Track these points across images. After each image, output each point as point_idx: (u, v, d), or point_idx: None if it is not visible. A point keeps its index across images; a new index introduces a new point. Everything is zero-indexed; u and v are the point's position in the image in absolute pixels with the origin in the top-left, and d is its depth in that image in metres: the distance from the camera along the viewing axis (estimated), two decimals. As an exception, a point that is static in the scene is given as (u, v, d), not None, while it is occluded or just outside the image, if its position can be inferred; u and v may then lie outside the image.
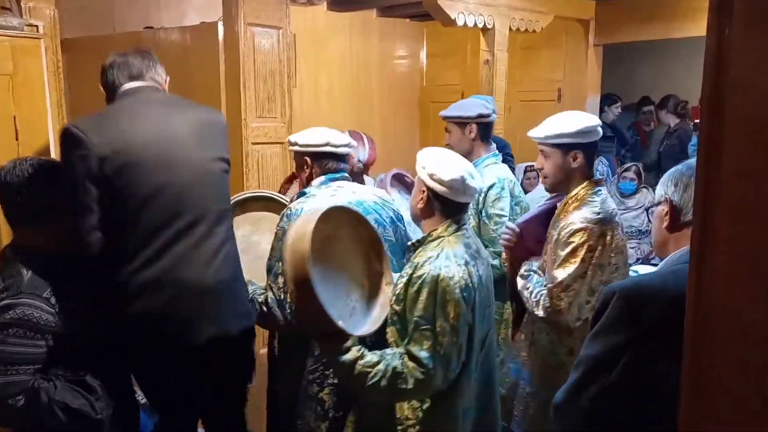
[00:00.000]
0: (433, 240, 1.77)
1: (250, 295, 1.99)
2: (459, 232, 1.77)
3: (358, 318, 1.77)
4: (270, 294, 1.95)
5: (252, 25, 2.88)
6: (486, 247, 2.41)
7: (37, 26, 2.20)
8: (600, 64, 5.16)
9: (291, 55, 3.14)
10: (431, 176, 1.74)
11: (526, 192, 3.34)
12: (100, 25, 3.85)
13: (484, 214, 2.59)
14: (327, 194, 1.99)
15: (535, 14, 4.27)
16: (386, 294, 1.81)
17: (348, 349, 1.65)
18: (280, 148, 3.03)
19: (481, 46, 4.05)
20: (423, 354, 1.65)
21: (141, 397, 2.05)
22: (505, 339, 2.60)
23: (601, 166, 4.83)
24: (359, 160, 2.42)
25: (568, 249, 2.00)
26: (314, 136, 2.06)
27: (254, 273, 2.08)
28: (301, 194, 2.06)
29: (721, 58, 0.74)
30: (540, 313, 2.06)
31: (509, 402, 2.24)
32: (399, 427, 1.79)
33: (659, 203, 1.43)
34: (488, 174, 2.62)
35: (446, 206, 1.77)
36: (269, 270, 1.97)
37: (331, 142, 2.05)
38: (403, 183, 2.94)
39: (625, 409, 1.30)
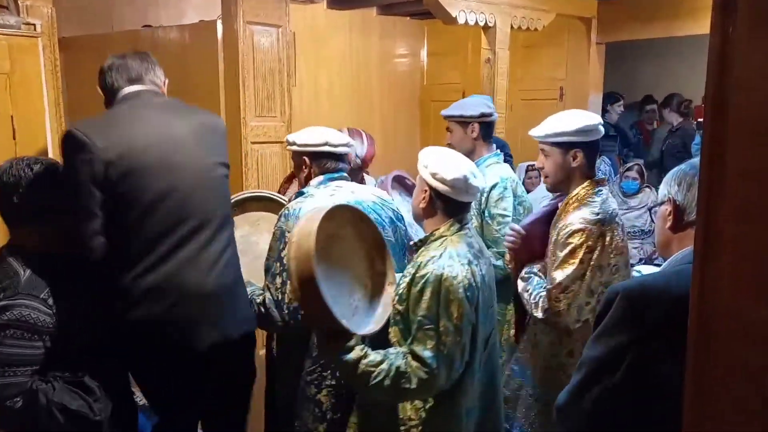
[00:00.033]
0: (435, 239, 1.76)
1: (249, 296, 1.98)
2: (462, 232, 1.77)
3: (361, 318, 1.77)
4: (267, 294, 1.94)
5: (251, 23, 2.87)
6: (489, 247, 2.40)
7: (34, 25, 2.18)
8: (602, 63, 5.15)
9: (290, 54, 3.13)
10: (434, 175, 1.74)
11: (527, 191, 3.32)
12: (98, 23, 3.86)
13: (486, 214, 2.57)
14: (325, 194, 1.98)
15: (537, 12, 4.25)
16: (389, 294, 1.81)
17: (351, 348, 1.65)
18: (280, 148, 3.02)
19: (482, 45, 4.03)
20: (426, 354, 1.64)
21: (139, 399, 2.04)
22: (508, 340, 2.58)
23: (603, 165, 4.81)
24: (357, 155, 2.40)
25: (567, 250, 1.99)
26: (313, 136, 2.05)
27: (253, 273, 2.08)
28: (299, 194, 2.05)
29: (724, 57, 0.74)
30: (539, 314, 2.06)
31: (512, 403, 2.23)
32: (402, 428, 1.79)
33: (662, 203, 1.42)
34: (490, 174, 2.60)
35: (449, 205, 1.77)
36: (267, 270, 1.96)
37: (329, 141, 2.04)
38: (403, 185, 2.92)
39: (629, 410, 1.30)
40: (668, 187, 1.40)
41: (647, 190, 4.45)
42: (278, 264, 1.92)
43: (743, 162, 0.75)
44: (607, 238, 2.01)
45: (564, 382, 1.44)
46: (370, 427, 1.91)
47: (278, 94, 3.00)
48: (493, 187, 2.57)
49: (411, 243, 1.86)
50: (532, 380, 2.18)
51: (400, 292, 1.75)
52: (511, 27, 4.09)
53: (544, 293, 2.05)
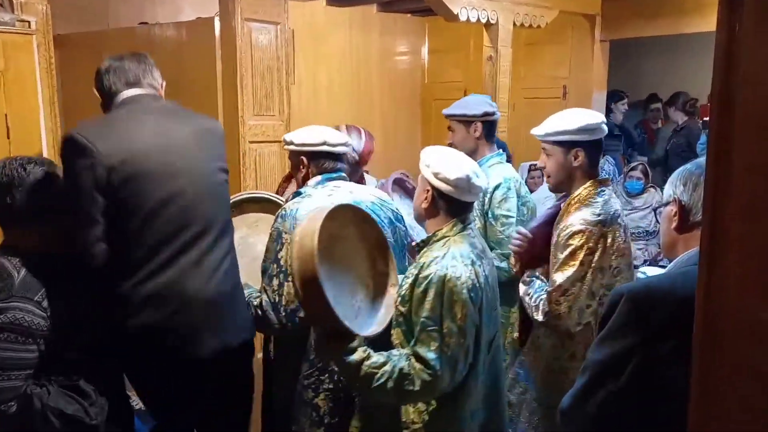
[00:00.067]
0: (438, 240, 1.75)
1: (246, 299, 1.96)
2: (464, 232, 1.75)
3: (363, 319, 1.76)
4: (264, 297, 1.92)
5: (249, 20, 2.85)
6: (492, 249, 2.37)
7: (29, 22, 2.18)
8: (606, 61, 5.11)
9: (289, 51, 3.11)
10: (436, 175, 1.72)
11: (530, 191, 3.29)
12: (93, 20, 3.85)
13: (490, 215, 2.54)
14: (323, 194, 1.96)
15: (540, 9, 4.22)
16: (391, 295, 1.80)
17: (354, 350, 1.64)
18: (278, 147, 3.00)
19: (485, 42, 4.00)
20: (430, 355, 1.63)
21: (135, 403, 2.03)
22: (512, 343, 2.56)
23: (607, 165, 4.78)
24: (354, 150, 2.36)
25: (567, 252, 1.97)
26: (311, 135, 2.03)
27: (251, 275, 2.06)
28: (297, 194, 2.02)
29: (731, 54, 0.74)
30: (540, 317, 2.04)
31: (515, 408, 2.21)
32: (404, 431, 1.78)
33: (668, 203, 1.41)
34: (493, 174, 2.57)
35: (451, 205, 1.75)
36: (264, 272, 1.94)
37: (327, 141, 2.01)
38: (403, 188, 2.89)
39: (634, 413, 1.29)
40: (674, 187, 1.39)
41: (652, 190, 4.41)
42: (275, 266, 1.90)
43: (750, 158, 0.74)
44: (609, 240, 1.98)
45: (566, 385, 1.42)
46: (372, 430, 1.90)
47: (277, 93, 2.98)
48: (497, 187, 2.54)
49: (413, 243, 1.84)
50: (535, 383, 2.16)
51: (403, 293, 1.74)
52: (514, 24, 4.06)
53: (545, 296, 2.02)
